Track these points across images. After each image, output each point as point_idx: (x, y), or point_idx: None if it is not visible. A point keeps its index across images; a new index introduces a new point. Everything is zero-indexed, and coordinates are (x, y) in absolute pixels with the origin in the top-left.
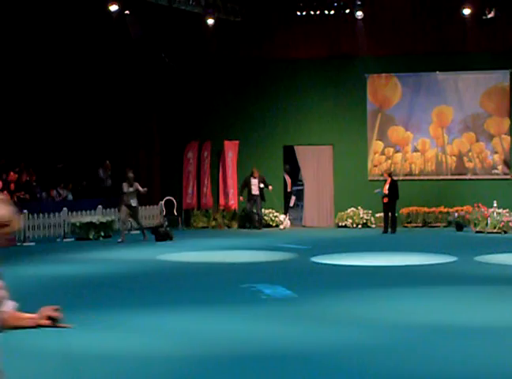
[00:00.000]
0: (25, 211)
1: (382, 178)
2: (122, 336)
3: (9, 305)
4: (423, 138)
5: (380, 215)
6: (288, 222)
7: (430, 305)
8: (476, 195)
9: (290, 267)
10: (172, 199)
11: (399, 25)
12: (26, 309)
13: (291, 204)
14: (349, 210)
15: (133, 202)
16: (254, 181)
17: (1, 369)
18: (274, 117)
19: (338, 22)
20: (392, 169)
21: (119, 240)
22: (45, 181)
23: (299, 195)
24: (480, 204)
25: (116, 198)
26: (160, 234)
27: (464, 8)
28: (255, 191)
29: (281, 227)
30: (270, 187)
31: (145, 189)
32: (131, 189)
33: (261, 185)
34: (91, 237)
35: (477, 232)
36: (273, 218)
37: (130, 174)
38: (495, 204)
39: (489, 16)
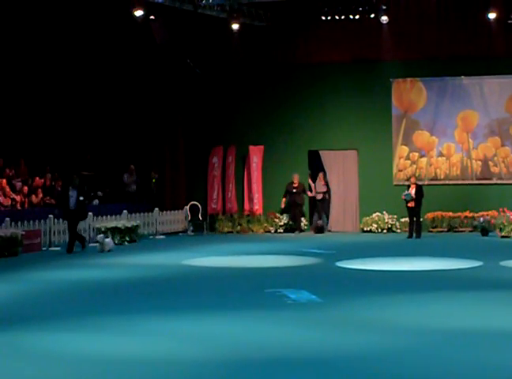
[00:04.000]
0: (51, 216)
1: (407, 183)
2: (146, 341)
3: None
4: (449, 143)
5: (405, 220)
6: (110, 243)
7: (455, 310)
8: (502, 200)
9: (315, 272)
10: (197, 204)
11: (424, 30)
12: (51, 313)
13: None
14: (374, 215)
15: None
16: (72, 194)
17: None
18: (299, 121)
19: (363, 27)
20: (417, 174)
21: None
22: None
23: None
24: (505, 209)
25: (141, 203)
26: None
27: (489, 12)
28: (72, 205)
29: (105, 249)
30: (100, 193)
31: None
32: None
33: (81, 198)
34: (116, 242)
35: (503, 237)
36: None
37: None
38: None
39: None
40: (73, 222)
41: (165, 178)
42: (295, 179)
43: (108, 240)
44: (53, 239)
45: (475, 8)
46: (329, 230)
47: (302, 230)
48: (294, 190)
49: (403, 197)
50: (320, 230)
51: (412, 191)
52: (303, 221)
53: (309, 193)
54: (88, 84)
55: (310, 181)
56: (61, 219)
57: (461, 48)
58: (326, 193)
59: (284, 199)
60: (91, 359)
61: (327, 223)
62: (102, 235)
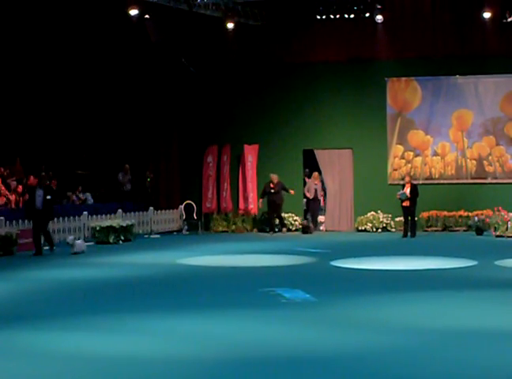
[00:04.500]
0: None
1: (402, 182)
2: (141, 339)
3: None
4: (443, 142)
5: (400, 219)
6: (82, 245)
7: (450, 310)
8: (496, 199)
9: (310, 271)
10: (192, 203)
11: (419, 29)
12: (46, 312)
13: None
14: (369, 214)
15: None
16: (39, 193)
17: None
18: (294, 120)
19: (358, 26)
20: (412, 173)
21: None
22: (66, 185)
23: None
24: (500, 208)
25: (135, 202)
26: None
27: (484, 11)
28: (39, 205)
29: (76, 250)
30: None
31: None
32: None
33: (48, 197)
34: (111, 241)
35: (497, 236)
36: (293, 221)
37: None
38: None
39: (509, 19)
40: (41, 222)
41: (160, 177)
42: (273, 179)
43: (79, 242)
44: None
45: (470, 7)
46: (326, 230)
47: (290, 230)
48: (272, 190)
49: (398, 196)
50: (306, 230)
51: (407, 190)
52: (298, 220)
53: (292, 192)
54: (84, 83)
55: (307, 180)
56: (55, 218)
57: (456, 47)
58: (317, 194)
59: (260, 200)
60: (85, 358)
61: (316, 224)
62: (72, 237)
